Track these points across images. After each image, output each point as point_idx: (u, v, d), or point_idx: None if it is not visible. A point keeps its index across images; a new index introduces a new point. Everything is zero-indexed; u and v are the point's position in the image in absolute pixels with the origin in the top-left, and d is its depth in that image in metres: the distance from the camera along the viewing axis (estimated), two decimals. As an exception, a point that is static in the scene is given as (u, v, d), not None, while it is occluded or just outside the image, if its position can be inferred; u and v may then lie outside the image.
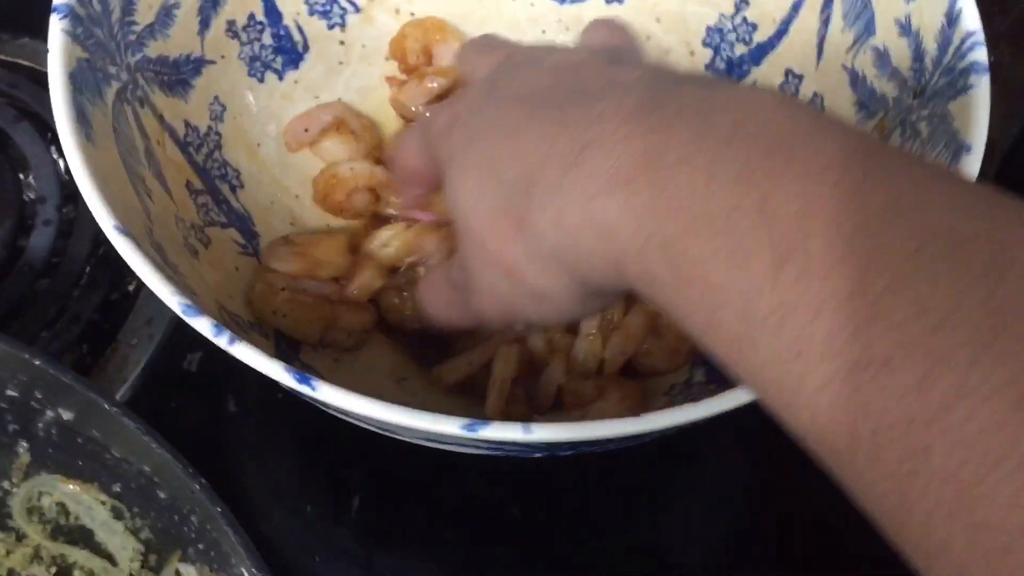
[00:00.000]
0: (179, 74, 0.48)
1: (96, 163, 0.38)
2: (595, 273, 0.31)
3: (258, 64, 0.53)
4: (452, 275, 0.40)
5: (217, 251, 0.47)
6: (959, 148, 0.40)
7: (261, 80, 0.53)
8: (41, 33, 0.40)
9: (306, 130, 0.53)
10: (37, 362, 0.39)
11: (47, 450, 0.41)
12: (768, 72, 0.53)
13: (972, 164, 0.40)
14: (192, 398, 0.52)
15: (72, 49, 0.40)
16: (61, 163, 0.56)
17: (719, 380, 0.46)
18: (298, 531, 0.50)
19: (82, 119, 0.38)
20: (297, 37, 0.54)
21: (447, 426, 0.33)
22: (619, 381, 0.46)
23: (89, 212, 0.36)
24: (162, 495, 0.39)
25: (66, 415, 0.40)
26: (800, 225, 0.24)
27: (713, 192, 0.26)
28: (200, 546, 0.39)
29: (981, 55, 0.42)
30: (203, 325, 0.35)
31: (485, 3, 0.57)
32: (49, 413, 0.40)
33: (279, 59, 0.54)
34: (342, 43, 0.56)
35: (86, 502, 0.41)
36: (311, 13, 0.55)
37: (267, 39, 0.53)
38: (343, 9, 0.56)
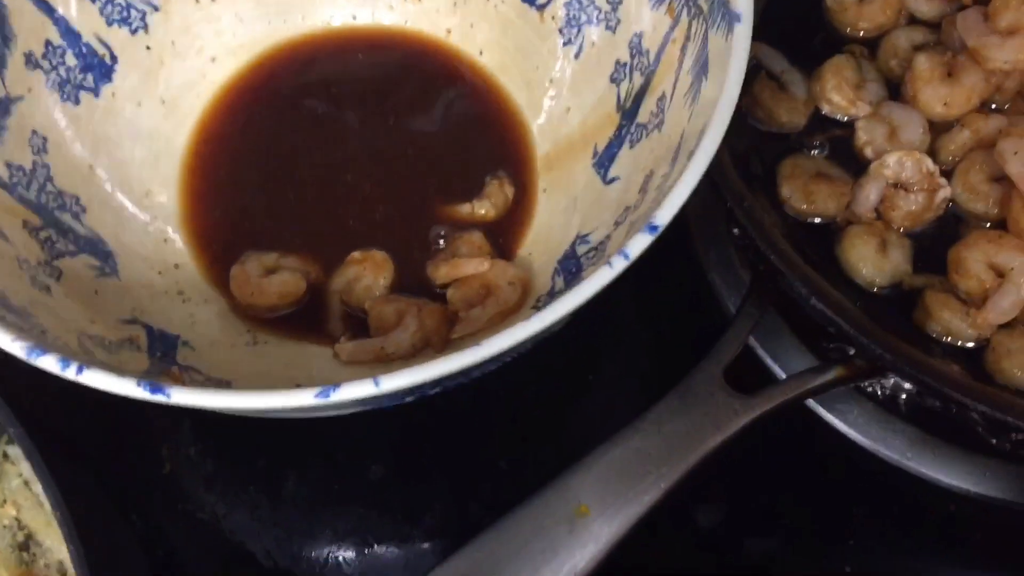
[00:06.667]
0: (-12, 120, 0.48)
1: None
2: None
3: (68, 87, 0.53)
4: None
5: (72, 281, 0.48)
6: (732, 18, 0.43)
7: (77, 102, 0.53)
8: None
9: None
10: None
11: None
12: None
13: (744, 32, 0.42)
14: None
15: None
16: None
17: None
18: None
19: None
20: (102, 51, 0.54)
21: (300, 398, 0.35)
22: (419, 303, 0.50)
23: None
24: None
25: None
26: None
27: None
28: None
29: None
30: (48, 362, 0.36)
31: None
32: None
33: (89, 76, 0.54)
34: (148, 48, 0.56)
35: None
36: (110, 24, 0.55)
37: (71, 60, 0.53)
38: (141, 11, 0.56)
